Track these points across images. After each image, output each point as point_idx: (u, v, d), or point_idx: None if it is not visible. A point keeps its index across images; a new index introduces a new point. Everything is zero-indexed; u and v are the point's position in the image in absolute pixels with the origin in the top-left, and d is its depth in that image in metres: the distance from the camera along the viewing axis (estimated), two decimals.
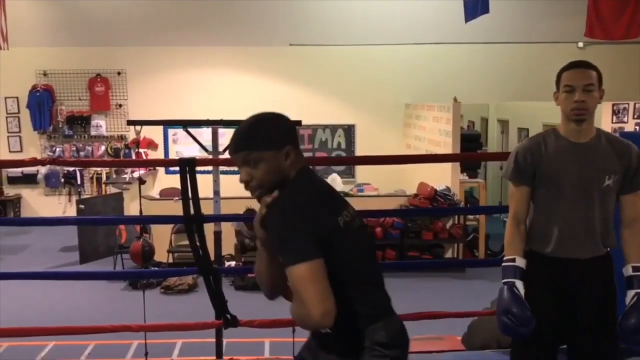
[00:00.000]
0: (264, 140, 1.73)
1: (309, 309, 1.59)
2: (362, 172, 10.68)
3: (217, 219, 3.62)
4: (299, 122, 4.55)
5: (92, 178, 10.87)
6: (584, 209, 2.32)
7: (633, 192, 2.38)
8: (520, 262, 2.36)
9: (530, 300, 2.33)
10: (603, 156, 2.33)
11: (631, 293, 2.30)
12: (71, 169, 10.74)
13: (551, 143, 2.37)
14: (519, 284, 2.33)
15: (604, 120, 7.60)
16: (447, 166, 8.19)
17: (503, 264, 2.41)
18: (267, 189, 1.74)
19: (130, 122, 4.30)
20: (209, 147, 4.24)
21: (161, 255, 7.52)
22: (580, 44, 10.06)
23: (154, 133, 10.44)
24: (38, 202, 10.90)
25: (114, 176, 10.61)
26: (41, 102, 10.45)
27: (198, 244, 3.23)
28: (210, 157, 3.99)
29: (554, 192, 2.34)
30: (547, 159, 2.35)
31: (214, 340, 3.96)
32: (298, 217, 1.66)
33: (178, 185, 10.36)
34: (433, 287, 6.85)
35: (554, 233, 2.35)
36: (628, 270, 2.33)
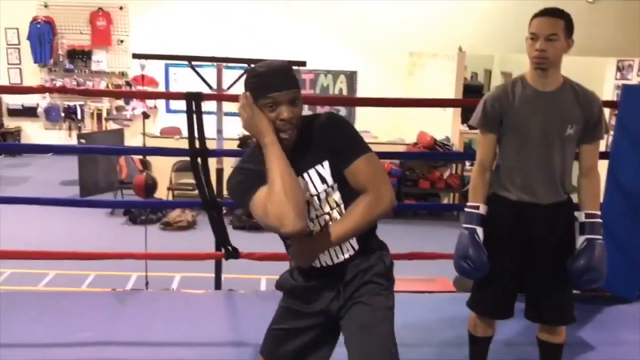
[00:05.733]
0: (298, 81, 1.80)
1: (386, 188, 1.80)
2: (363, 120, 10.66)
3: (222, 153, 3.67)
4: (303, 63, 4.58)
5: (92, 114, 10.85)
6: (546, 156, 2.37)
7: (592, 142, 2.43)
8: (483, 209, 2.45)
9: (490, 244, 2.42)
10: (566, 106, 2.36)
11: (582, 238, 2.38)
12: (72, 103, 10.72)
13: (518, 92, 2.40)
14: (480, 231, 2.42)
15: (607, 76, 7.57)
16: (448, 116, 8.21)
17: (466, 209, 2.48)
18: (297, 130, 1.78)
19: (136, 56, 4.26)
20: (213, 84, 4.25)
21: (161, 193, 7.63)
22: None
23: (155, 72, 10.36)
24: (38, 136, 10.90)
25: (115, 112, 10.60)
26: (42, 35, 10.34)
27: (202, 177, 3.29)
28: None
29: (519, 139, 2.39)
30: (514, 108, 2.39)
31: (212, 274, 4.07)
32: None
33: (178, 124, 10.40)
34: (427, 233, 6.98)
35: (517, 178, 2.42)
36: (581, 217, 2.42)
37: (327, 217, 1.84)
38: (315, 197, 1.82)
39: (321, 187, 1.82)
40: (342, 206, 1.84)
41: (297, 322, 1.96)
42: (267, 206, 1.68)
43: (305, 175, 1.82)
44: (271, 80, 1.73)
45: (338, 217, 1.84)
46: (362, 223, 1.79)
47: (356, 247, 1.87)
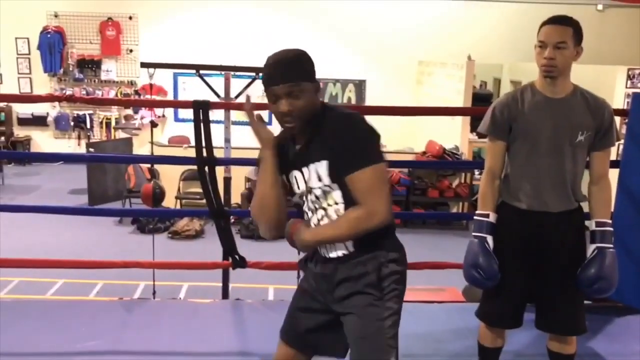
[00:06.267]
0: (306, 72, 1.77)
1: (381, 204, 1.73)
2: None
3: (229, 162, 3.66)
4: None
5: (101, 123, 10.91)
6: (557, 163, 2.34)
7: (603, 150, 2.40)
8: (493, 217, 2.42)
9: (499, 253, 2.39)
10: (577, 112, 2.33)
11: (592, 247, 2.35)
12: (81, 112, 10.78)
13: (528, 98, 2.37)
14: (490, 240, 2.40)
15: (618, 85, 7.51)
16: (457, 125, 8.17)
17: (476, 217, 2.45)
18: (304, 121, 1.78)
19: (144, 65, 4.30)
20: (221, 93, 4.25)
21: (169, 202, 7.63)
22: (600, 6, 9.87)
23: (164, 81, 10.40)
24: (47, 145, 10.94)
25: (123, 121, 10.65)
26: (52, 44, 10.41)
27: (210, 186, 3.28)
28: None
29: (529, 146, 2.36)
30: (524, 114, 2.36)
31: (219, 284, 4.05)
32: (372, 127, 1.78)
33: (186, 133, 10.46)
34: (436, 243, 6.94)
35: (527, 186, 2.39)
36: (592, 225, 2.38)
37: (323, 212, 1.84)
38: (313, 192, 1.83)
39: (317, 183, 1.82)
40: (342, 205, 1.82)
41: (310, 302, 1.97)
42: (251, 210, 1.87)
43: (305, 169, 1.83)
44: (272, 73, 1.75)
45: (334, 215, 1.83)
46: (347, 234, 1.79)
47: (351, 249, 1.85)
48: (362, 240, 1.82)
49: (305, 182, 1.84)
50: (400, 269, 1.88)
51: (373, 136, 1.77)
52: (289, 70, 1.74)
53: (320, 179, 1.80)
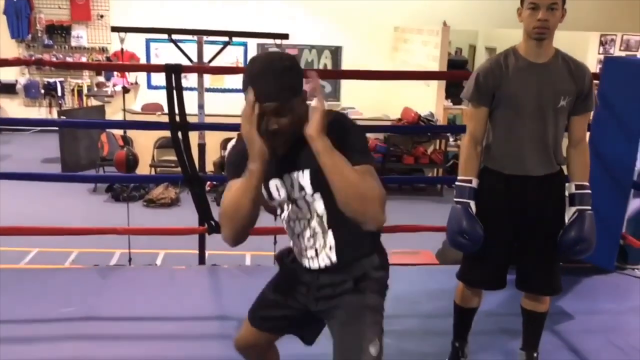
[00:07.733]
0: (296, 85, 1.65)
1: (379, 204, 1.63)
2: (347, 96, 10.63)
3: (203, 127, 3.63)
4: (285, 36, 4.53)
5: (72, 90, 10.68)
6: (540, 128, 2.36)
7: (582, 114, 2.43)
8: (475, 183, 2.44)
9: (482, 218, 2.42)
10: (559, 77, 2.35)
11: (572, 209, 2.39)
12: (52, 80, 10.54)
13: (511, 63, 2.38)
14: (473, 205, 2.42)
15: (590, 50, 7.58)
16: (432, 92, 8.19)
17: (458, 183, 2.46)
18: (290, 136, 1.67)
19: (115, 29, 4.19)
20: (194, 58, 4.19)
21: (143, 170, 7.56)
22: None
23: (136, 47, 10.18)
24: (17, 113, 10.68)
25: (95, 89, 10.45)
26: (18, 9, 10.11)
27: (184, 152, 3.26)
28: None
29: (512, 111, 2.38)
30: (507, 80, 2.36)
31: (196, 251, 4.05)
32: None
33: (160, 100, 10.30)
34: (411, 208, 7.01)
35: (510, 152, 2.41)
36: (571, 188, 2.42)
37: (306, 222, 1.78)
38: (296, 202, 1.76)
39: (299, 194, 1.74)
40: (325, 217, 1.75)
41: (284, 298, 1.96)
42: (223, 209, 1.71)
43: (286, 176, 1.74)
44: (260, 87, 1.59)
45: (317, 227, 1.76)
46: (354, 187, 1.60)
47: (334, 259, 1.81)
48: (344, 251, 1.78)
49: (287, 190, 1.76)
50: (380, 274, 1.84)
51: (364, 134, 1.75)
52: (280, 84, 1.59)
53: (302, 189, 1.73)
